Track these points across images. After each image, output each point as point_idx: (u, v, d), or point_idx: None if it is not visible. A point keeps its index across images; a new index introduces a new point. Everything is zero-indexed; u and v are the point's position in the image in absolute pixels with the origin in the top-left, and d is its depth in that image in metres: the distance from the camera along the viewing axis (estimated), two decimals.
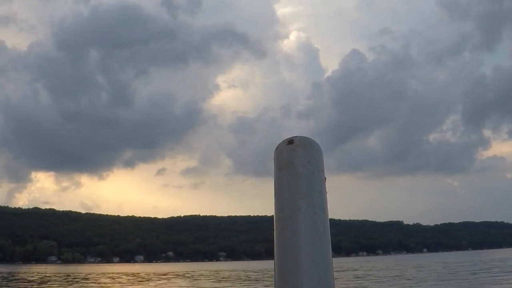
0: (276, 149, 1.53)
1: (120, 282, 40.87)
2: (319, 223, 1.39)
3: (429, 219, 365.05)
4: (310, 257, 1.33)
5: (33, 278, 47.60)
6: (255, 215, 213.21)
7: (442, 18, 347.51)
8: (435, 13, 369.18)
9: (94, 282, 39.92)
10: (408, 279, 33.97)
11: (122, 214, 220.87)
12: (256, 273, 51.61)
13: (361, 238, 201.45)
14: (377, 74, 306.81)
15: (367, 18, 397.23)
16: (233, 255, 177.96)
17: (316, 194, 1.42)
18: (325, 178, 1.49)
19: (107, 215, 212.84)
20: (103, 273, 59.79)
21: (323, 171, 1.49)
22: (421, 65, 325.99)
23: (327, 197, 1.47)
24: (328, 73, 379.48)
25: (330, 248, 1.39)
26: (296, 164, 1.46)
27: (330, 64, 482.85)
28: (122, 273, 62.17)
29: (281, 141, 1.42)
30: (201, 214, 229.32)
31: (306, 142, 1.50)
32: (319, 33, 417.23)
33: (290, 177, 1.45)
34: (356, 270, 52.22)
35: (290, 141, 1.49)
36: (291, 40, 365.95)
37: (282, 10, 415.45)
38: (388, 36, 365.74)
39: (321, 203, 1.43)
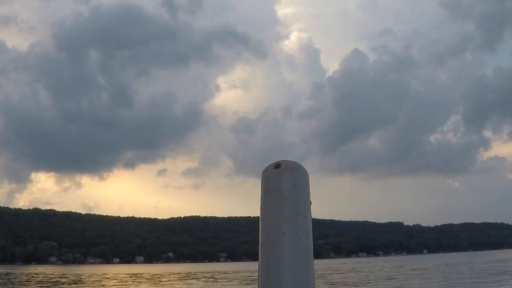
0: (263, 172, 1.55)
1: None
2: (302, 247, 1.40)
3: (429, 220, 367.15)
4: (292, 281, 1.34)
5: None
6: (256, 216, 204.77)
7: (444, 18, 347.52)
8: (437, 14, 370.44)
9: None
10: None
11: (122, 215, 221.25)
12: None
13: (362, 239, 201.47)
14: (379, 74, 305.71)
15: (369, 18, 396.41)
16: (233, 256, 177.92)
17: (301, 219, 1.44)
18: (311, 202, 1.51)
19: (107, 215, 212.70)
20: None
21: (308, 194, 1.51)
22: (422, 65, 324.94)
23: (311, 221, 1.48)
24: (329, 73, 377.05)
25: (313, 272, 1.41)
26: (281, 188, 1.48)
27: (331, 64, 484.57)
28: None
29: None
30: (202, 215, 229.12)
31: (293, 166, 1.50)
32: (320, 33, 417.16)
33: (275, 201, 1.48)
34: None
35: (277, 165, 1.51)
36: (292, 41, 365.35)
37: (283, 11, 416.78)
38: (390, 36, 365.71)
39: (305, 228, 1.44)
